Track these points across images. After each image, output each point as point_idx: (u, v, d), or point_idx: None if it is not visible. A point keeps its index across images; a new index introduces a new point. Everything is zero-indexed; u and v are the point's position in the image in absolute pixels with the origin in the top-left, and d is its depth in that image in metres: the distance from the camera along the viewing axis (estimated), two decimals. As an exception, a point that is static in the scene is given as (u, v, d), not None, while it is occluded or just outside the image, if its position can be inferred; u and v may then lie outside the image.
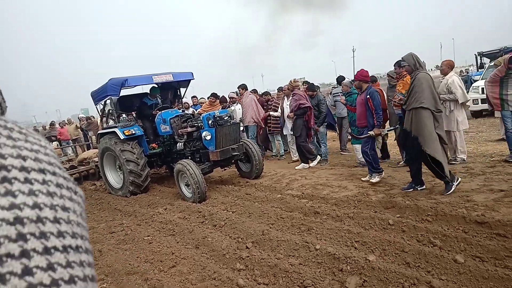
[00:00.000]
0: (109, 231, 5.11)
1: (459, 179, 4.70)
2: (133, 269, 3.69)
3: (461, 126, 5.94)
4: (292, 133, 7.32)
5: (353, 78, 6.52)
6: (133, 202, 6.52)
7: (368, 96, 5.10)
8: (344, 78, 7.68)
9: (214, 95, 8.98)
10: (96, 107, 7.95)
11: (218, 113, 6.37)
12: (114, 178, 7.52)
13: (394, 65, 6.12)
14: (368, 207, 4.52)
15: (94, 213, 6.33)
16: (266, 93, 8.77)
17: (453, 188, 4.56)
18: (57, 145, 14.05)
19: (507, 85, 5.57)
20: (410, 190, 4.86)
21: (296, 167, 7.33)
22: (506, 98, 5.57)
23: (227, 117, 6.37)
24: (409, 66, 4.62)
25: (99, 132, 7.78)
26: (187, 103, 9.93)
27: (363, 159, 6.54)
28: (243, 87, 8.40)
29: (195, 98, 10.52)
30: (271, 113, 8.19)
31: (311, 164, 7.23)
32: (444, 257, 3.01)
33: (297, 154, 7.50)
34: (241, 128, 7.48)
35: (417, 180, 4.88)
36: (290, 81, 7.20)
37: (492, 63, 12.54)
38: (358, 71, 5.34)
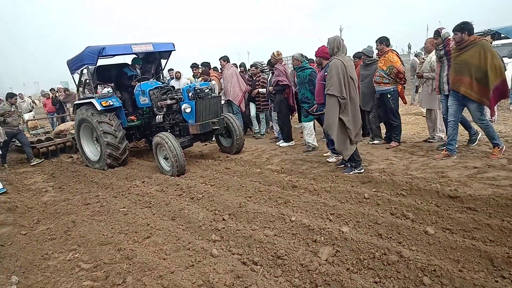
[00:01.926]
0: (84, 203, 5.01)
1: (363, 170, 4.89)
2: (106, 240, 3.64)
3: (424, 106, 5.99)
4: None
5: (301, 53, 6.37)
6: (110, 175, 6.41)
7: (325, 73, 5.05)
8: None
9: (205, 64, 8.71)
10: (73, 77, 7.67)
11: (198, 86, 6.22)
12: (91, 150, 7.35)
13: (376, 42, 6.05)
14: (345, 182, 4.56)
15: (70, 185, 6.20)
16: (256, 66, 7.94)
17: (351, 173, 4.84)
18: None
19: (444, 66, 5.16)
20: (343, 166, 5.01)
21: (276, 143, 7.31)
22: (442, 80, 5.20)
23: (208, 90, 6.23)
24: (330, 49, 4.70)
25: (75, 102, 7.53)
26: (178, 72, 9.54)
27: (310, 141, 6.51)
28: (225, 59, 8.14)
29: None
30: (260, 90, 7.82)
31: (279, 144, 7.17)
32: (416, 228, 3.06)
33: (279, 130, 7.42)
34: (222, 102, 7.35)
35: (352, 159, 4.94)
36: (273, 53, 6.93)
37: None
38: (319, 48, 5.20)
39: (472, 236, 2.94)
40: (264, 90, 7.72)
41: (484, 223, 3.03)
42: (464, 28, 4.56)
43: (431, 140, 6.00)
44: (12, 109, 7.92)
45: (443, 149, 5.15)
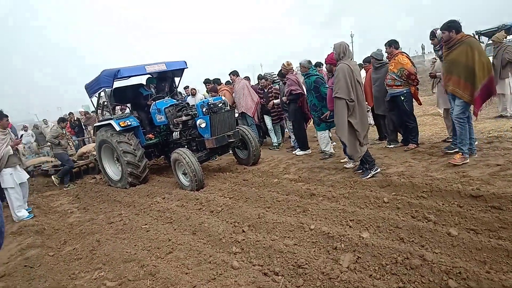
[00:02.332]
0: (107, 222, 5.12)
1: (378, 169, 4.91)
2: (130, 257, 3.71)
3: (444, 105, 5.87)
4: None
5: (309, 59, 6.37)
6: (132, 193, 6.54)
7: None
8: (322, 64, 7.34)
9: (216, 81, 8.80)
10: (91, 100, 7.92)
11: (212, 100, 6.32)
12: (112, 170, 7.53)
13: (385, 45, 6.02)
14: (364, 187, 4.51)
15: (94, 206, 6.36)
16: (266, 78, 8.05)
17: (368, 176, 4.80)
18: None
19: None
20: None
21: (293, 152, 7.31)
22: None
23: (221, 104, 6.32)
24: (336, 54, 4.76)
25: (95, 125, 7.77)
26: (194, 89, 9.68)
27: (326, 149, 6.44)
28: (234, 73, 8.24)
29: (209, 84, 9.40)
30: (275, 101, 7.72)
31: (296, 152, 7.17)
32: (438, 231, 3.00)
33: (294, 139, 7.42)
34: (236, 115, 7.41)
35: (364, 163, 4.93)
36: (283, 64, 7.00)
37: (490, 41, 12.44)
38: (328, 55, 5.22)
39: (498, 235, 2.86)
40: (278, 100, 7.69)
41: (510, 222, 2.94)
42: (451, 26, 4.48)
43: (450, 140, 5.87)
44: (64, 132, 8.49)
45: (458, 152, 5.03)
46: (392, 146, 6.25)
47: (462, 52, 4.45)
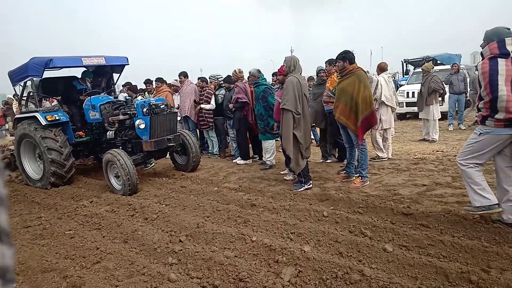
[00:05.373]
0: (23, 225, 4.56)
1: (311, 185, 5.07)
2: (50, 266, 3.32)
3: (384, 125, 6.29)
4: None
5: (258, 68, 6.51)
6: (54, 194, 5.94)
7: None
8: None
9: (160, 79, 8.32)
10: (14, 89, 7.12)
11: (153, 101, 6.03)
12: (32, 168, 6.79)
13: (325, 63, 6.28)
14: (304, 200, 4.58)
15: (7, 206, 5.64)
16: (203, 79, 7.84)
17: (301, 189, 4.95)
18: None
19: None
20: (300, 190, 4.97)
21: (234, 160, 7.24)
22: None
23: (163, 105, 6.05)
24: (286, 67, 4.98)
25: (16, 116, 6.97)
26: (135, 85, 9.10)
27: (270, 159, 6.50)
28: (185, 74, 7.98)
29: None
30: (202, 106, 7.47)
31: (237, 161, 7.14)
32: (375, 246, 3.11)
33: (236, 147, 7.36)
34: (179, 118, 7.15)
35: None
36: (235, 70, 6.94)
37: (416, 70, 13.69)
38: (281, 66, 5.35)
39: (427, 252, 3.04)
40: (208, 106, 7.43)
41: (437, 240, 3.15)
42: (345, 57, 4.86)
43: (383, 159, 6.27)
44: None
45: (343, 172, 5.47)
46: (329, 161, 6.47)
47: (351, 82, 4.79)
